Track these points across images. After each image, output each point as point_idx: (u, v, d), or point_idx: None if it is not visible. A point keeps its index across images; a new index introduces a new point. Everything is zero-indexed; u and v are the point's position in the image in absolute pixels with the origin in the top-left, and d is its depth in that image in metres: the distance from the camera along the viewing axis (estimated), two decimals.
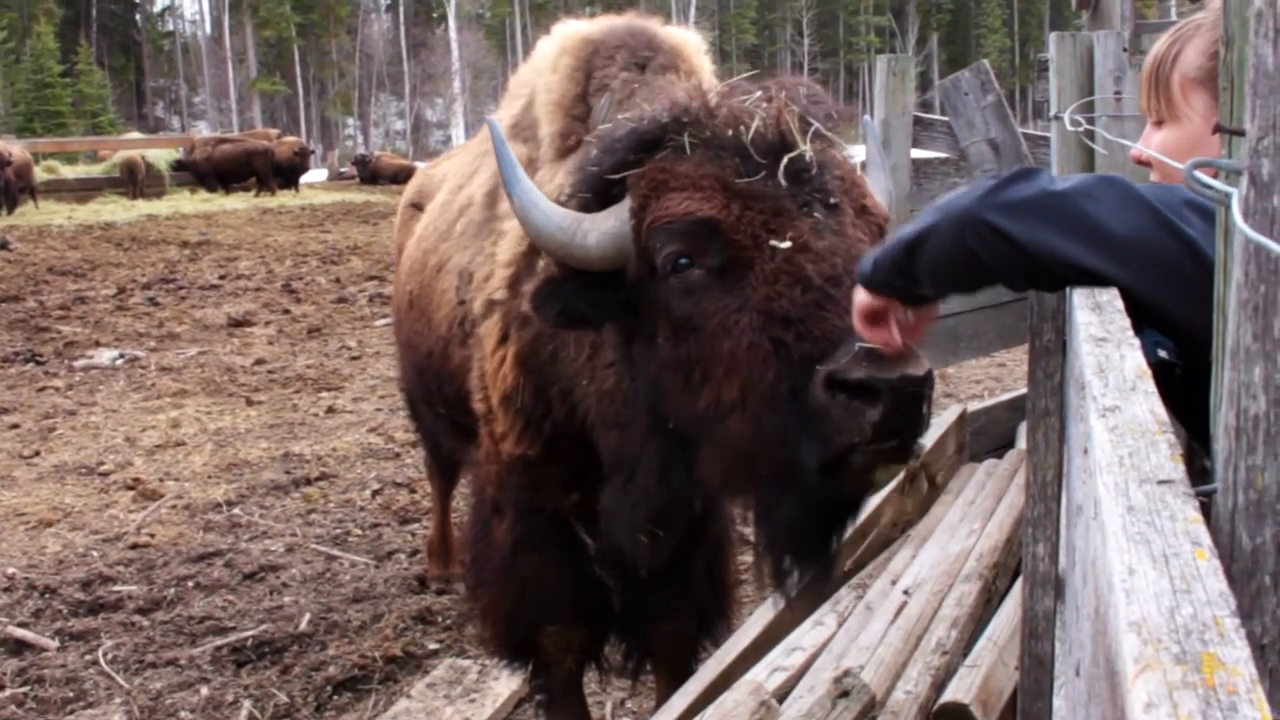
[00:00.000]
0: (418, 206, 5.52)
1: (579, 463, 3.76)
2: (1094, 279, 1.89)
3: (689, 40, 4.00)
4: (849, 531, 3.14)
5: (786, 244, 2.73)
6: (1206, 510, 1.26)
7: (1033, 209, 1.89)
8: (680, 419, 3.03)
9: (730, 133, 2.89)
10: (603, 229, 3.02)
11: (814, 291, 2.65)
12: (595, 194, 3.09)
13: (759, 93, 3.05)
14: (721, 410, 2.84)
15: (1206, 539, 1.09)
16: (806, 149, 2.85)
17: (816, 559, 3.09)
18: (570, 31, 4.02)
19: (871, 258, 2.25)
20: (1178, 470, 1.21)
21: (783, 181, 2.82)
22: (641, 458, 3.34)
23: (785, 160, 2.83)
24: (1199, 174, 1.33)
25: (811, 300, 2.65)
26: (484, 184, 4.26)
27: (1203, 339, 1.89)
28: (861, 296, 2.34)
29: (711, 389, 2.85)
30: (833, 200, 2.84)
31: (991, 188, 1.97)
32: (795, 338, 2.64)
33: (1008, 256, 1.91)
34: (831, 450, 2.54)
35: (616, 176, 3.03)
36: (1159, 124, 2.79)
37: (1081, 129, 5.36)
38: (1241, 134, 1.23)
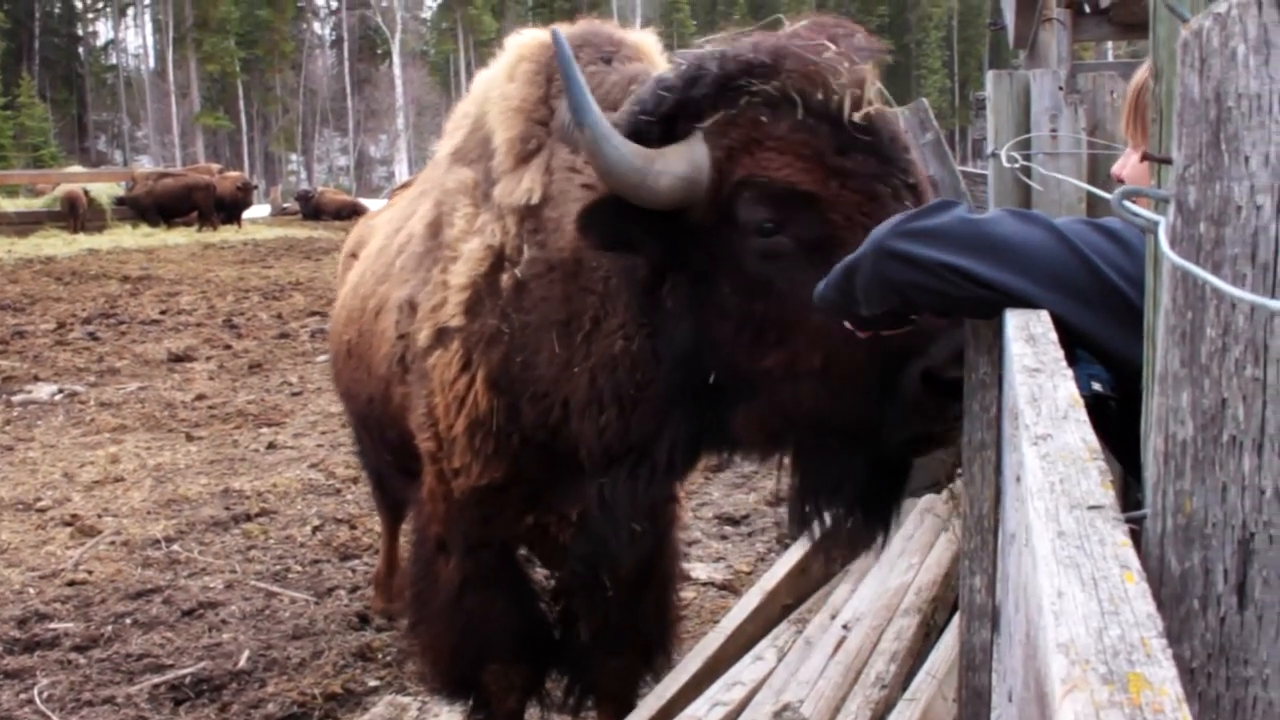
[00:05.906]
0: (355, 256, 5.42)
1: (540, 479, 3.71)
2: (1000, 298, 1.99)
3: (647, 39, 3.96)
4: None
5: None
6: (1137, 539, 1.27)
7: (938, 234, 2.02)
8: (731, 372, 3.02)
9: (820, 96, 2.80)
10: (675, 172, 2.88)
11: None
12: (658, 122, 2.98)
13: (822, 40, 2.93)
14: (796, 373, 2.87)
15: (1135, 562, 1.10)
16: (900, 125, 2.88)
17: (881, 513, 3.13)
18: (526, 39, 3.90)
19: (825, 278, 2.35)
20: (1108, 496, 1.22)
21: (876, 161, 2.80)
22: (662, 431, 3.30)
23: (887, 138, 2.82)
24: (1128, 203, 1.35)
25: None
26: (424, 216, 4.11)
27: (1110, 351, 1.96)
28: None
29: (785, 352, 2.87)
30: (911, 180, 2.84)
31: (903, 218, 2.11)
32: None
33: (916, 280, 2.03)
34: (915, 433, 2.75)
35: (695, 121, 2.93)
36: (1137, 149, 2.91)
37: (1018, 165, 5.44)
38: (1169, 162, 1.25)
